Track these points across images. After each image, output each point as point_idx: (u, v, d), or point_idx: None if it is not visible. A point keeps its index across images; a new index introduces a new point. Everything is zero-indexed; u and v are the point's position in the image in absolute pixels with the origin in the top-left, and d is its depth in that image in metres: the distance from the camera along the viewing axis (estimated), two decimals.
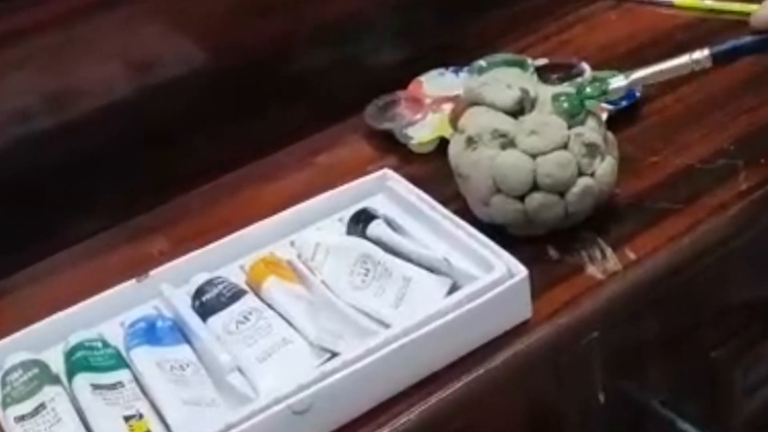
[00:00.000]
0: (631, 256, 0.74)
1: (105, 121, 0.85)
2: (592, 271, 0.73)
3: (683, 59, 0.72)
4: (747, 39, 0.71)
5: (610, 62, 0.96)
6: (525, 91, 0.76)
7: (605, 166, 0.75)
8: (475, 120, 0.77)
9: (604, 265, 0.74)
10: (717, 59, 0.71)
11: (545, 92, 0.77)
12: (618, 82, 0.75)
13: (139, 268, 0.74)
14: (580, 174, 0.74)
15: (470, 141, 0.76)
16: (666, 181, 0.81)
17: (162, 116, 0.87)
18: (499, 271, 0.68)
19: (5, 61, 0.80)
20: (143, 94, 0.87)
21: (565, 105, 0.76)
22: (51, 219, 0.84)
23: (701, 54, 0.71)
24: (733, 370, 0.86)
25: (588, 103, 0.76)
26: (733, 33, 0.96)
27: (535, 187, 0.74)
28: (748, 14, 0.76)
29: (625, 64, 0.94)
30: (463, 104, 0.80)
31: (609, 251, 0.75)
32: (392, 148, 0.90)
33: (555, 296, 0.71)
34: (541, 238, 0.76)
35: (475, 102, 0.78)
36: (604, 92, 0.75)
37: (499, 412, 0.72)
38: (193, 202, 0.88)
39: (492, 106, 0.77)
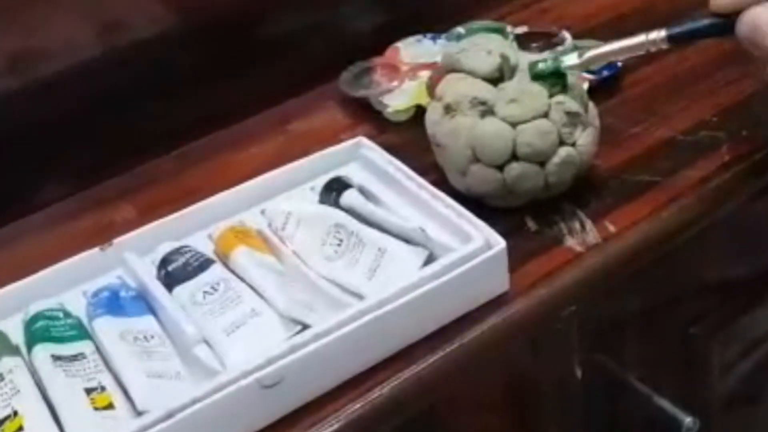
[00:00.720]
0: (611, 228, 0.72)
1: (69, 84, 0.82)
2: (571, 243, 0.72)
3: (639, 39, 0.71)
4: (705, 21, 0.69)
5: (591, 31, 0.94)
6: (505, 58, 0.74)
7: (586, 136, 0.73)
8: (454, 87, 0.74)
9: (583, 237, 0.72)
10: (673, 40, 0.70)
11: (525, 60, 0.75)
12: (571, 60, 0.73)
13: (103, 236, 0.72)
14: (561, 143, 0.72)
15: (448, 109, 0.74)
16: (647, 152, 0.79)
17: (129, 79, 0.84)
18: (477, 242, 0.66)
19: None
20: (109, 56, 0.84)
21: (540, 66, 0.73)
22: (12, 185, 0.81)
23: (657, 35, 0.70)
24: (710, 347, 0.85)
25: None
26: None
27: (514, 156, 0.72)
28: None
29: (606, 34, 0.92)
30: (441, 71, 0.77)
31: (588, 223, 0.73)
32: (367, 116, 0.88)
33: (533, 269, 0.70)
34: (520, 210, 0.74)
35: (454, 68, 0.76)
36: (557, 69, 0.73)
37: (475, 386, 0.71)
38: (160, 168, 0.86)
39: (471, 72, 0.74)
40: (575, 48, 0.86)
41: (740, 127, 0.80)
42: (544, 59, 0.74)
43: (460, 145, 0.73)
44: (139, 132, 0.86)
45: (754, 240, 0.86)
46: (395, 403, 0.63)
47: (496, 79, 0.74)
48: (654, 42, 0.71)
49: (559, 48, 0.90)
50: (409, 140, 0.82)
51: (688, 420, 0.80)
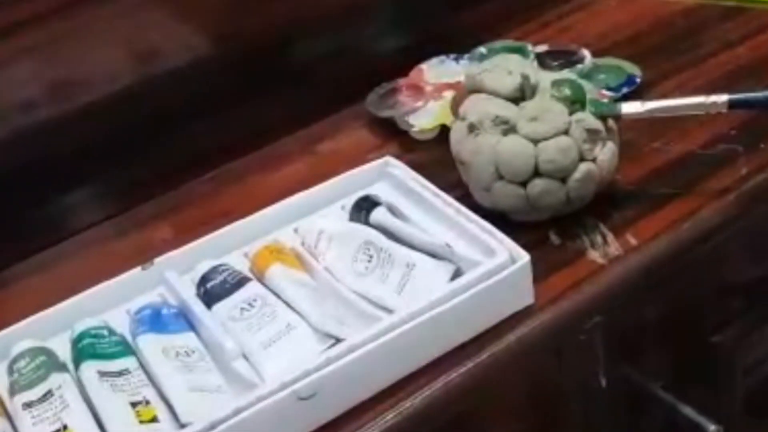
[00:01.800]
0: (633, 241, 0.74)
1: (108, 111, 0.86)
2: (594, 256, 0.74)
3: (699, 100, 0.74)
4: (765, 94, 0.74)
5: (610, 49, 0.96)
6: (526, 78, 0.77)
7: (606, 152, 0.75)
8: (477, 107, 0.77)
9: (605, 250, 0.74)
10: (733, 106, 0.73)
11: (546, 78, 0.78)
12: (632, 108, 0.76)
13: (143, 256, 0.75)
14: (582, 159, 0.74)
15: (472, 128, 0.76)
16: (666, 166, 0.81)
17: (165, 105, 0.88)
18: (502, 256, 0.68)
19: (9, 51, 0.81)
20: (146, 83, 0.87)
21: (566, 91, 0.76)
22: (56, 208, 0.84)
23: (718, 99, 0.73)
24: (733, 355, 0.86)
25: (587, 88, 0.76)
26: (732, 21, 0.97)
27: (536, 172, 0.74)
28: (746, 1, 0.77)
29: (625, 51, 0.95)
30: (464, 91, 0.80)
31: (610, 236, 0.75)
32: (393, 136, 0.91)
33: (557, 281, 0.72)
34: (543, 224, 0.76)
35: (476, 89, 0.78)
36: (618, 115, 0.76)
37: (502, 397, 0.73)
38: (196, 190, 0.89)
39: (493, 92, 0.77)
40: (592, 70, 0.89)
41: (757, 139, 0.82)
42: (605, 103, 0.76)
43: (483, 162, 0.75)
44: (174, 155, 0.89)
45: None
46: (426, 413, 0.65)
47: (518, 98, 0.76)
48: (714, 105, 0.74)
49: (579, 66, 0.92)
50: (435, 158, 0.84)
51: (712, 428, 0.81)
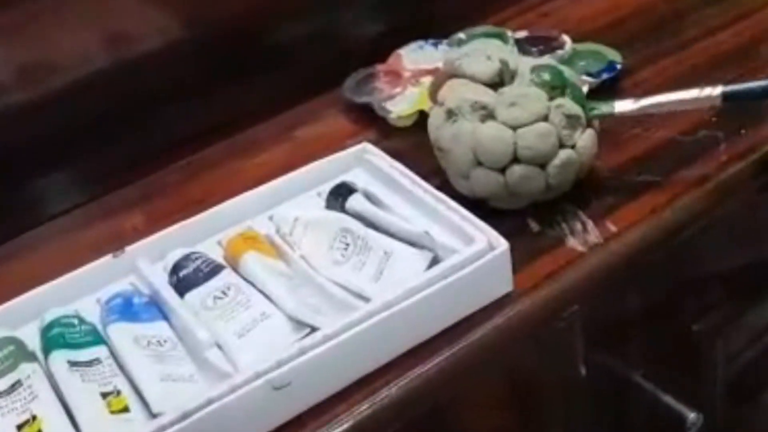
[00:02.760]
0: (612, 228, 0.74)
1: (79, 95, 0.84)
2: (573, 243, 0.73)
3: (692, 93, 0.73)
4: (762, 83, 0.72)
5: (591, 35, 0.95)
6: (505, 63, 0.76)
7: (586, 138, 0.75)
8: (455, 92, 0.76)
9: (585, 237, 0.73)
10: (727, 98, 0.72)
11: (525, 64, 0.77)
12: (626, 105, 0.75)
13: (114, 244, 0.73)
14: (561, 146, 0.74)
15: (450, 113, 0.75)
16: (647, 153, 0.81)
17: (137, 90, 0.86)
18: (480, 243, 0.68)
19: None
20: (119, 67, 0.86)
21: (546, 77, 0.75)
22: (25, 195, 0.83)
23: (712, 91, 0.72)
24: (714, 343, 0.86)
25: (567, 74, 0.76)
26: (713, 8, 0.97)
27: (515, 159, 0.73)
28: None
29: (605, 37, 0.94)
30: (442, 76, 0.79)
31: (590, 224, 0.74)
32: (371, 122, 0.89)
33: (536, 269, 0.71)
34: (522, 211, 0.76)
35: (455, 74, 0.77)
36: (611, 113, 0.75)
37: (481, 385, 0.72)
38: (169, 177, 0.87)
39: (472, 78, 0.76)
40: (573, 55, 0.88)
41: (738, 126, 0.81)
42: (598, 103, 0.75)
43: (462, 149, 0.74)
44: (147, 141, 0.87)
45: (754, 236, 0.87)
46: (402, 402, 0.64)
47: (497, 83, 0.76)
48: (708, 98, 0.72)
49: (559, 52, 0.91)
50: (413, 145, 0.83)
51: (692, 415, 0.81)
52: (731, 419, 0.90)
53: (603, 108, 0.76)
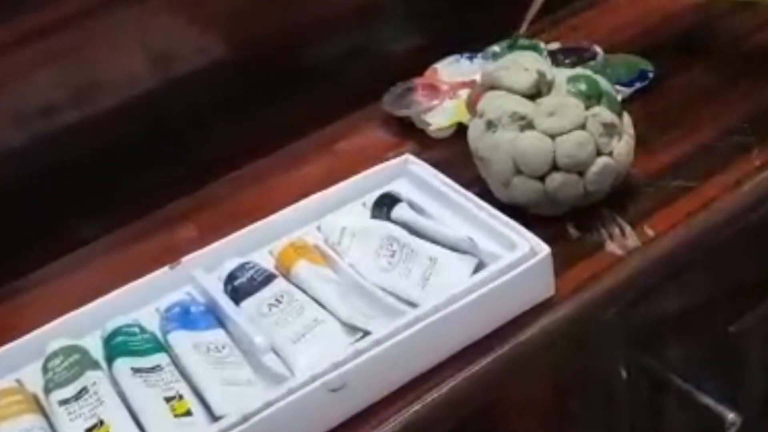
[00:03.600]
0: (650, 232, 0.76)
1: (130, 114, 0.87)
2: (612, 248, 0.75)
3: None
4: None
5: (621, 46, 0.97)
6: (542, 74, 0.78)
7: (622, 145, 0.77)
8: (494, 103, 0.78)
9: (623, 242, 0.75)
10: None
11: (561, 75, 0.79)
12: None
13: (169, 256, 0.76)
14: (599, 153, 0.75)
15: (490, 124, 0.77)
16: (680, 159, 0.83)
17: (186, 108, 0.89)
18: (522, 249, 0.69)
19: (29, 58, 0.82)
20: (166, 87, 0.88)
21: (582, 87, 0.77)
22: (84, 210, 0.85)
23: None
24: (750, 345, 0.87)
25: (602, 83, 0.78)
26: (742, 16, 0.98)
27: (554, 167, 0.75)
28: None
29: (636, 47, 0.96)
30: (481, 88, 0.81)
31: (628, 228, 0.76)
32: (410, 135, 0.92)
33: (576, 273, 0.73)
34: (561, 218, 0.78)
35: (493, 86, 0.79)
36: None
37: (525, 387, 0.74)
38: (218, 191, 0.90)
39: (510, 89, 0.78)
40: (605, 66, 0.90)
41: None
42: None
43: (502, 158, 0.77)
44: (196, 157, 0.90)
45: None
46: (451, 403, 0.66)
47: (534, 94, 0.78)
48: None
49: (591, 63, 0.93)
50: (452, 156, 0.86)
51: (731, 416, 0.82)
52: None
53: None
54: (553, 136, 0.75)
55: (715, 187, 0.79)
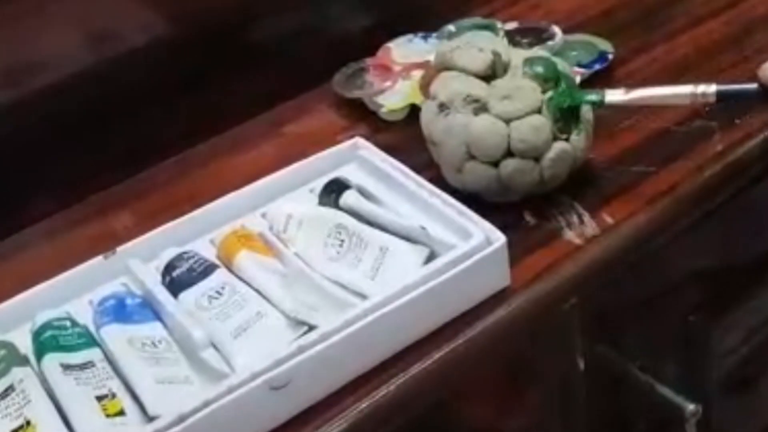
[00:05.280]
0: (609, 220, 0.73)
1: (64, 94, 0.83)
2: (570, 236, 0.72)
3: (687, 89, 0.72)
4: (753, 86, 0.71)
5: (580, 26, 0.95)
6: (497, 55, 0.75)
7: (580, 129, 0.74)
8: (447, 85, 0.75)
9: (581, 229, 0.73)
10: (721, 97, 0.71)
11: (518, 56, 0.76)
12: (615, 96, 0.74)
13: (104, 245, 0.72)
14: (555, 139, 0.73)
15: (442, 107, 0.75)
16: (641, 144, 0.80)
17: (124, 88, 0.85)
18: (477, 238, 0.67)
19: None
20: (103, 66, 0.84)
21: (539, 69, 0.74)
22: (12, 196, 0.81)
23: (706, 89, 0.71)
24: (709, 334, 0.86)
25: (560, 65, 0.75)
26: None
27: (509, 152, 0.73)
28: None
29: (595, 28, 0.94)
30: (434, 69, 0.78)
31: (586, 216, 0.74)
32: (362, 117, 0.89)
33: (533, 262, 0.70)
34: (517, 205, 0.75)
35: (447, 67, 0.76)
36: (601, 102, 0.74)
37: (480, 381, 0.71)
38: (158, 176, 0.86)
39: (464, 70, 0.75)
40: (564, 46, 0.87)
41: (732, 115, 0.81)
42: (589, 92, 0.74)
43: (454, 142, 0.74)
44: (134, 140, 0.86)
45: (750, 226, 0.87)
46: (402, 399, 0.64)
47: (489, 76, 0.75)
48: (702, 95, 0.71)
49: (550, 43, 0.91)
50: (405, 139, 0.83)
51: (691, 407, 0.81)
52: (727, 410, 0.90)
53: (593, 97, 0.75)
54: (507, 121, 0.72)
55: (677, 172, 0.77)
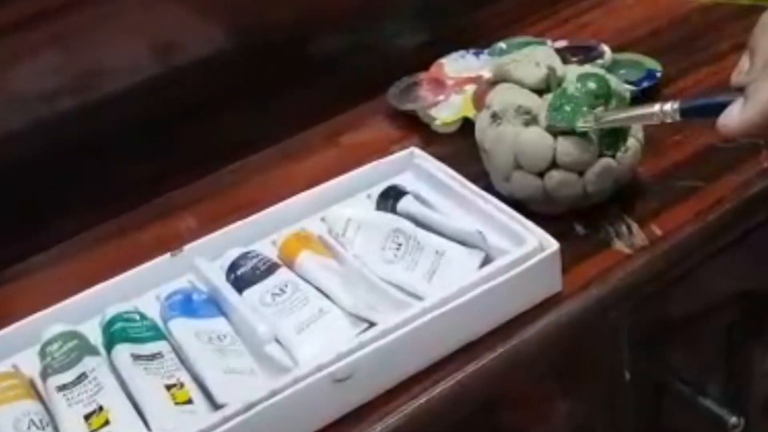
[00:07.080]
0: (657, 231, 0.75)
1: (133, 101, 0.86)
2: (619, 246, 0.74)
3: (653, 109, 0.71)
4: (719, 98, 0.69)
5: (628, 45, 0.97)
6: (552, 70, 0.77)
7: (628, 146, 0.75)
8: (502, 96, 0.77)
9: (630, 240, 0.74)
10: (684, 114, 0.70)
11: (572, 72, 0.78)
12: (587, 123, 0.73)
13: (169, 245, 0.74)
14: (601, 155, 0.74)
15: (495, 116, 0.77)
16: (689, 159, 0.82)
17: (190, 96, 0.88)
18: (531, 244, 0.69)
19: (33, 42, 0.81)
20: (170, 74, 0.88)
21: (591, 85, 0.76)
22: (85, 196, 0.84)
23: (671, 107, 0.70)
24: (751, 353, 0.87)
25: (613, 82, 0.77)
26: (745, 19, 0.98)
27: (554, 164, 0.74)
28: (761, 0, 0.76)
29: (643, 48, 0.96)
30: (488, 82, 0.80)
31: (635, 227, 0.75)
32: (415, 129, 0.91)
33: (584, 270, 0.72)
34: (568, 215, 0.77)
35: (503, 79, 0.78)
36: (573, 129, 0.74)
37: (528, 384, 0.73)
38: (220, 181, 0.89)
39: (519, 82, 0.77)
40: (613, 65, 0.88)
41: None
42: (562, 113, 0.74)
43: (504, 151, 0.76)
44: (198, 147, 0.89)
45: None
46: (456, 397, 0.65)
47: (543, 89, 0.77)
48: (666, 113, 0.70)
49: (599, 61, 0.93)
50: (456, 151, 0.85)
51: (733, 419, 0.81)
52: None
53: (565, 119, 0.74)
54: (555, 134, 0.74)
55: (724, 187, 0.78)
